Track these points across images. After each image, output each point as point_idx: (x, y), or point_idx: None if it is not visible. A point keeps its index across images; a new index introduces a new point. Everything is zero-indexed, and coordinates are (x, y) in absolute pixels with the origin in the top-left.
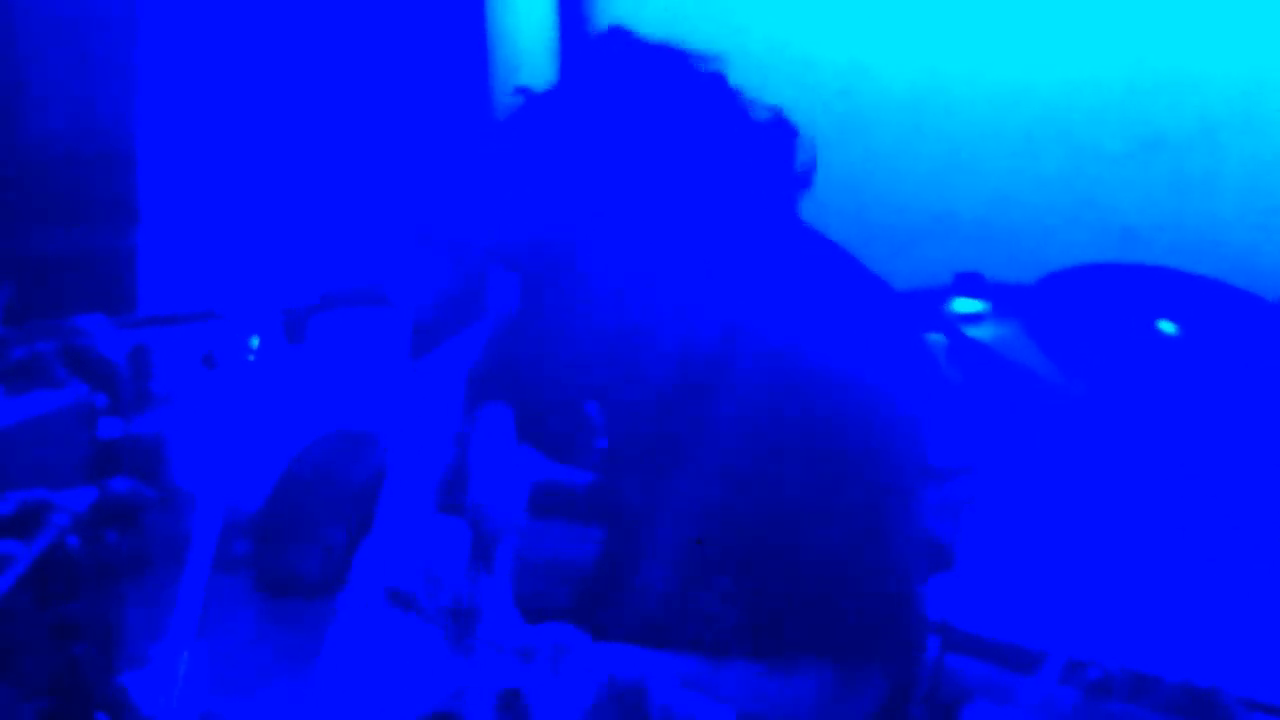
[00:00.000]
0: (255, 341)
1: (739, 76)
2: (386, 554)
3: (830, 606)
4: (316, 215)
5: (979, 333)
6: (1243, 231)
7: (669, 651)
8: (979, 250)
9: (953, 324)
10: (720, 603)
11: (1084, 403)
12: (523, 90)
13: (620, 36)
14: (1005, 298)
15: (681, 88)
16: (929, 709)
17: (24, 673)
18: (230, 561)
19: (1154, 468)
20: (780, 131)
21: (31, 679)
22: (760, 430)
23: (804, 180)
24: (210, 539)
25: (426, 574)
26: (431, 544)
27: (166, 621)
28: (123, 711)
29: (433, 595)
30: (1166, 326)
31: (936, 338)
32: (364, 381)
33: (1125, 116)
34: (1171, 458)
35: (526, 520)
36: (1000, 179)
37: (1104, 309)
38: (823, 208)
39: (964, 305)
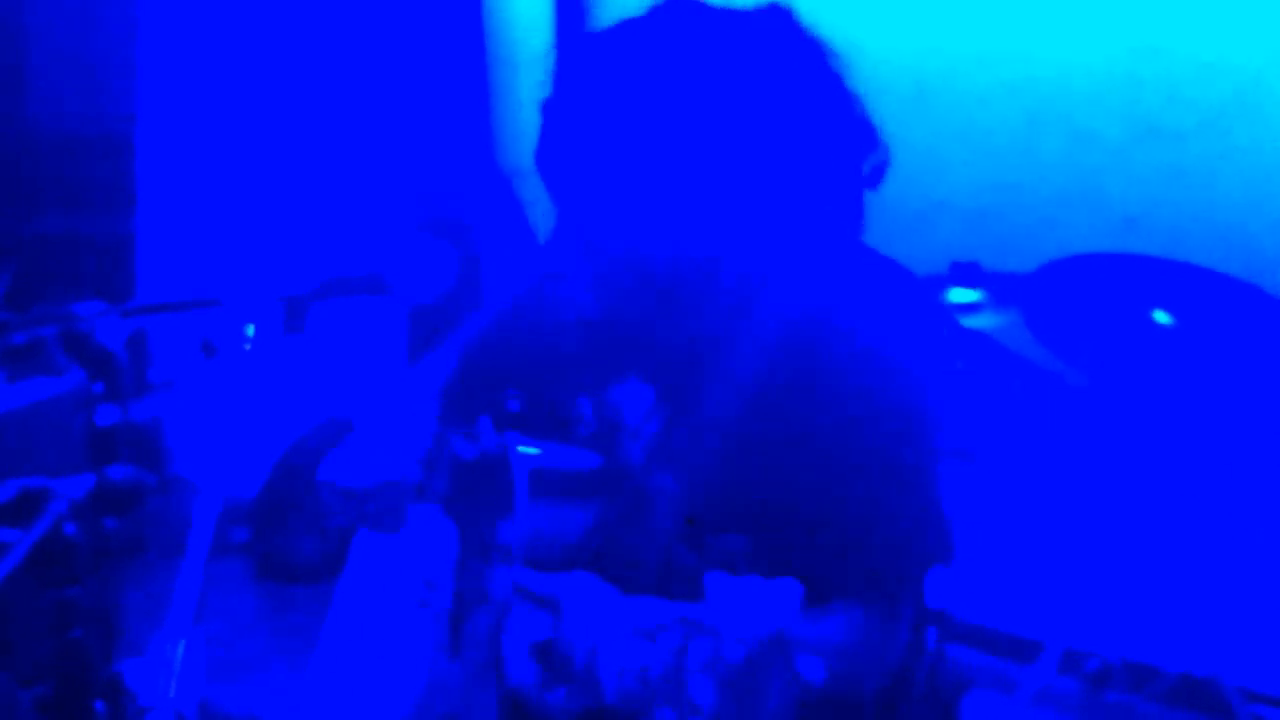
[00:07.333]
0: (253, 329)
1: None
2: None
3: (854, 548)
4: (316, 203)
5: (976, 322)
6: (1243, 220)
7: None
8: (976, 238)
9: (949, 313)
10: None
11: (1081, 392)
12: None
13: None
14: (1002, 287)
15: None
16: (929, 699)
17: (22, 659)
18: (228, 547)
19: (1151, 458)
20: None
21: (30, 665)
22: (776, 383)
23: (873, 180)
24: (209, 525)
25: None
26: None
27: (165, 608)
28: (120, 698)
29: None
30: (1162, 317)
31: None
32: (363, 369)
33: (1125, 104)
34: (1169, 448)
35: (526, 505)
36: (999, 166)
37: (1101, 299)
38: None
39: (960, 294)
